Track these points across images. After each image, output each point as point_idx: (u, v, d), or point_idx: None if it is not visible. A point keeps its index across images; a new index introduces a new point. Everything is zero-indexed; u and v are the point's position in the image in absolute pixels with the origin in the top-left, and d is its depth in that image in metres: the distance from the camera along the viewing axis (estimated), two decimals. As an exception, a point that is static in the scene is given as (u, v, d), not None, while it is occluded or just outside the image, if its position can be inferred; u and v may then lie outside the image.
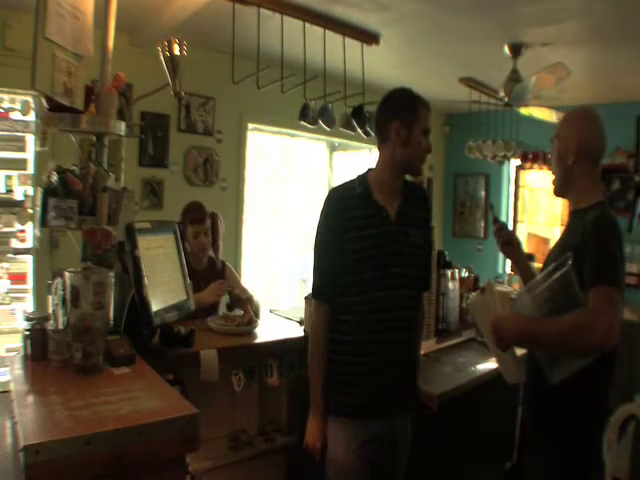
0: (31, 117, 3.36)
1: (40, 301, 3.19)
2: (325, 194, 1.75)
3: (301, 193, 5.20)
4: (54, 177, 1.83)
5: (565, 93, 4.16)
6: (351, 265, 1.64)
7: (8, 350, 3.16)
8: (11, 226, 3.38)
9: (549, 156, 1.70)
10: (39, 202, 1.81)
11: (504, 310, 1.66)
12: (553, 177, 1.65)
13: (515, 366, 1.61)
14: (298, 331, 2.36)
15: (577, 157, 1.54)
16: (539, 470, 1.57)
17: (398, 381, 1.68)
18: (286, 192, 5.12)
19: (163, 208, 4.03)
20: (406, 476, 1.77)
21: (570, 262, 1.42)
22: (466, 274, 2.81)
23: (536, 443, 1.59)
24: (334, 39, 3.40)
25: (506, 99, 3.60)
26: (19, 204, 3.29)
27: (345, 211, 1.66)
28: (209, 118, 4.27)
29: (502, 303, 1.69)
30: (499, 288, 1.91)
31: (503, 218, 6.13)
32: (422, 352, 2.30)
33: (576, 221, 1.56)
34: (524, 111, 3.97)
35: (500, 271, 5.76)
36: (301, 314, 2.43)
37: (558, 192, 1.67)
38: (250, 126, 4.59)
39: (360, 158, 5.53)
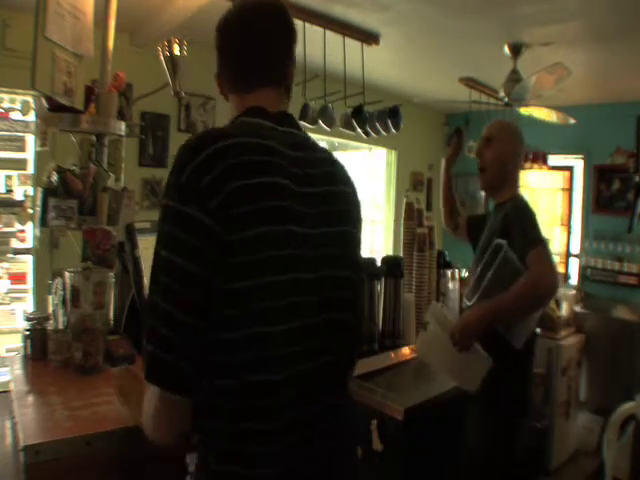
0: (31, 117, 3.37)
1: (40, 301, 3.20)
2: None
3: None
4: (54, 177, 1.83)
5: (565, 93, 4.16)
6: None
7: (8, 350, 3.16)
8: (11, 226, 3.39)
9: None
10: (39, 202, 1.82)
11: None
12: (488, 173, 1.93)
13: (479, 369, 1.68)
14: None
15: (516, 163, 1.93)
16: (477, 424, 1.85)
17: None
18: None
19: (163, 208, 4.03)
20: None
21: (505, 245, 1.73)
22: (466, 274, 2.80)
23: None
24: (334, 39, 3.40)
25: (506, 99, 3.60)
26: (19, 204, 3.30)
27: None
28: (209, 118, 4.27)
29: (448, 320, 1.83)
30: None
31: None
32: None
33: (498, 212, 1.88)
34: (524, 111, 3.97)
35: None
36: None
37: (490, 188, 1.97)
38: (250, 126, 4.58)
39: (360, 158, 5.52)
